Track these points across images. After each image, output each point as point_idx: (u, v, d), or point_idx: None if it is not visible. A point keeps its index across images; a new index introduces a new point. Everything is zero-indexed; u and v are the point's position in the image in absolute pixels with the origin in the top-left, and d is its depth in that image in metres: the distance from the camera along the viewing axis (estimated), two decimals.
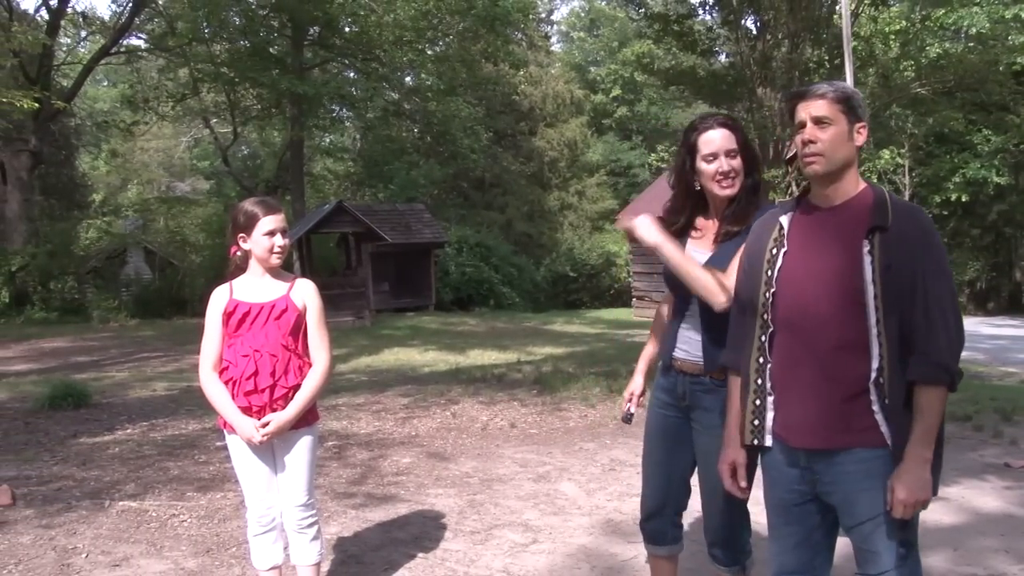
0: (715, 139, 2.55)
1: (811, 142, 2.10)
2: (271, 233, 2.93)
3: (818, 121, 2.10)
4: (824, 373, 2.07)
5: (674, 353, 2.68)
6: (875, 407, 2.04)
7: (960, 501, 4.66)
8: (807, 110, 2.11)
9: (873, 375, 2.03)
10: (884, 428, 2.04)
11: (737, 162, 2.55)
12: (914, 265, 2.00)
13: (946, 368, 2.00)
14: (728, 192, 2.56)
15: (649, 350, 2.95)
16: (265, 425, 2.89)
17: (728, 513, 2.66)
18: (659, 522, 2.85)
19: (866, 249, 2.03)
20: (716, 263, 2.52)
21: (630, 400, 2.91)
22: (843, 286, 2.04)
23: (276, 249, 2.95)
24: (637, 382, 2.92)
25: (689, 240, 2.67)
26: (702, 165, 2.57)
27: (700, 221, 2.68)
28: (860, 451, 2.05)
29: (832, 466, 2.09)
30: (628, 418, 2.94)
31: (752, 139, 11.24)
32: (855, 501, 2.07)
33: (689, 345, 2.64)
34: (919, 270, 2.00)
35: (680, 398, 2.68)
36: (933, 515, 4.38)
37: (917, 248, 2.01)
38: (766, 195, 2.71)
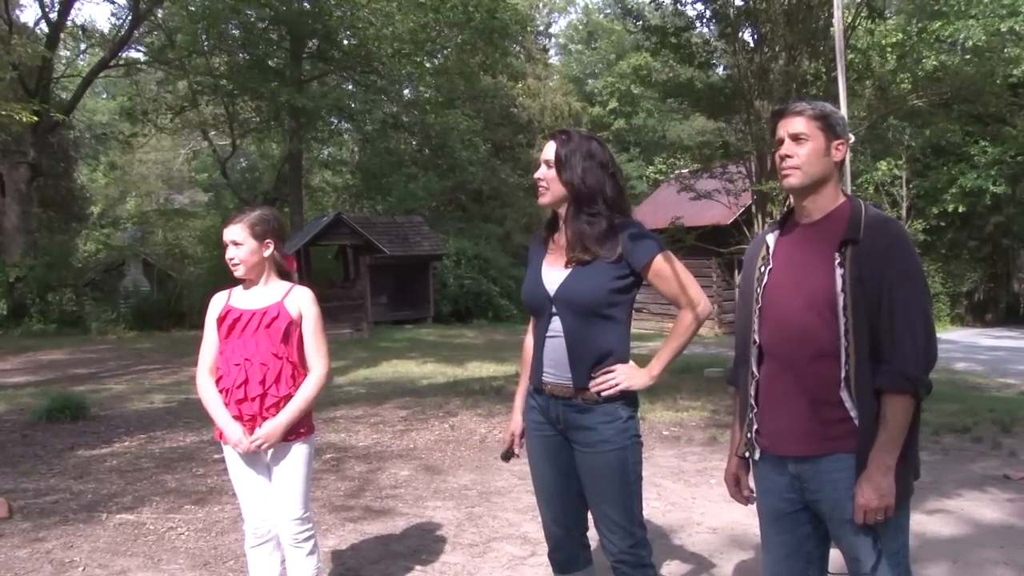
0: (543, 150, 2.62)
1: (788, 156, 2.19)
2: (226, 245, 2.95)
3: (795, 137, 2.19)
4: (803, 383, 2.14)
5: (543, 377, 2.60)
6: (852, 413, 2.09)
7: (959, 513, 4.65)
8: (785, 127, 2.21)
9: (842, 383, 2.09)
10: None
11: (549, 172, 2.58)
12: (883, 276, 2.06)
13: (909, 377, 2.03)
14: (538, 200, 2.65)
15: (523, 385, 2.83)
16: (255, 437, 2.87)
17: (629, 530, 2.58)
18: (569, 548, 2.76)
19: (837, 261, 2.10)
20: (572, 283, 2.52)
21: (512, 441, 2.84)
22: (818, 298, 2.11)
23: (231, 262, 2.95)
24: (517, 421, 2.83)
25: (545, 259, 2.66)
26: None
27: (556, 236, 2.67)
28: (844, 457, 2.10)
29: (819, 473, 2.14)
30: (508, 456, 2.87)
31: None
32: (843, 507, 2.10)
33: (556, 367, 2.56)
34: (887, 280, 2.06)
35: (556, 421, 2.61)
36: (932, 527, 4.37)
37: (887, 259, 2.07)
38: (613, 211, 2.54)
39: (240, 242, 2.93)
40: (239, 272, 2.96)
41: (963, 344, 17.62)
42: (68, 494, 5.17)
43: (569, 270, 2.55)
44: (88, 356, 14.46)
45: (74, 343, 16.57)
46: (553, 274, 2.59)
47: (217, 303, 3.01)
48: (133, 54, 22.96)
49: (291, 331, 2.95)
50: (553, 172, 2.57)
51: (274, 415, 2.90)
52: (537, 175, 2.62)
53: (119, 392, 9.87)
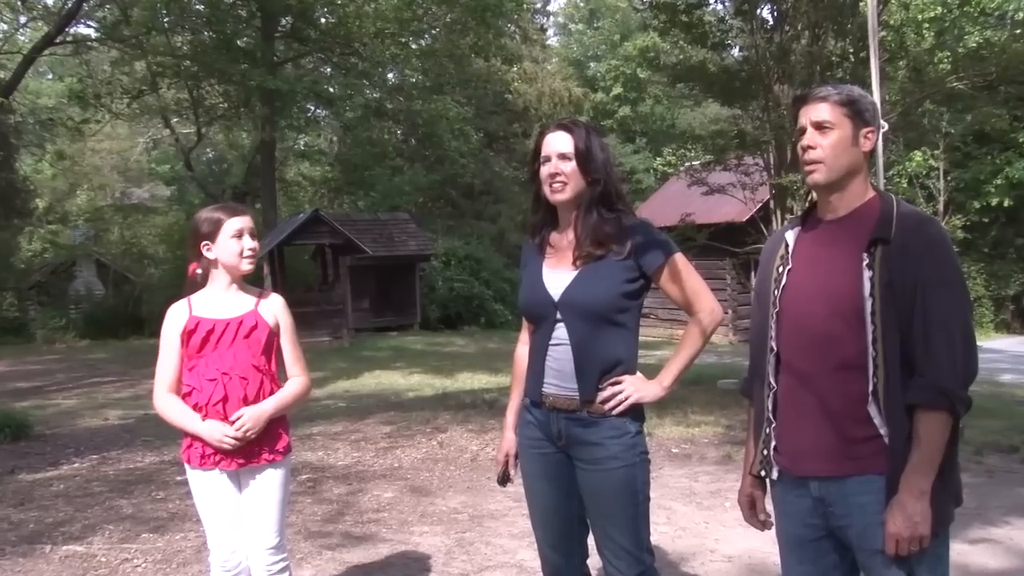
0: (552, 142, 2.61)
1: (810, 148, 2.16)
2: (239, 235, 2.91)
3: (819, 126, 2.16)
4: (826, 396, 2.12)
5: (543, 389, 2.60)
6: (881, 430, 2.07)
7: (1008, 543, 4.63)
8: (808, 114, 2.18)
9: (869, 397, 2.07)
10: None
11: (568, 166, 2.57)
12: (916, 280, 2.03)
13: (945, 391, 2.00)
14: (557, 197, 2.60)
15: (515, 400, 2.83)
16: (237, 420, 2.83)
17: (637, 556, 2.57)
18: None
19: (865, 263, 2.07)
20: (579, 287, 2.53)
21: (506, 463, 2.84)
22: (843, 303, 2.09)
23: (246, 253, 2.92)
24: (509, 439, 2.82)
25: (545, 262, 2.66)
26: (540, 169, 2.62)
27: (554, 237, 2.68)
28: (873, 478, 2.07)
29: (845, 496, 2.12)
30: (504, 480, 2.87)
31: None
32: (873, 535, 2.07)
33: (560, 378, 2.57)
34: (922, 287, 2.03)
35: (556, 437, 2.61)
36: (976, 558, 4.36)
37: (921, 262, 2.04)
38: (622, 208, 2.62)
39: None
40: (250, 267, 2.96)
41: (1009, 353, 17.65)
42: (6, 524, 5.13)
43: (575, 272, 2.55)
44: (32, 368, 14.43)
45: (16, 353, 16.54)
46: (556, 277, 2.59)
47: (178, 315, 2.96)
48: (83, 30, 22.86)
49: (272, 342, 2.97)
50: (573, 165, 2.57)
51: (255, 437, 2.89)
52: (553, 170, 2.59)
53: (68, 408, 9.84)
